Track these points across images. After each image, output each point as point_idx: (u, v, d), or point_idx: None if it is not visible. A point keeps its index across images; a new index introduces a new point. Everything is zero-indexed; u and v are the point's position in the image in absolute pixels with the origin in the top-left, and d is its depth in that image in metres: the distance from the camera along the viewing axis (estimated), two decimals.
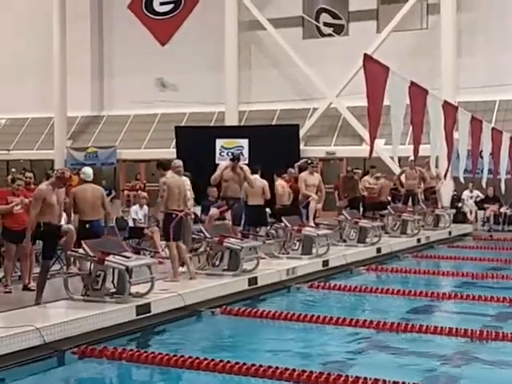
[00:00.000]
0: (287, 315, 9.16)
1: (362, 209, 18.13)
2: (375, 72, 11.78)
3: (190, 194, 12.07)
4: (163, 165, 11.01)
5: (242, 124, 25.82)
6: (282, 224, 13.10)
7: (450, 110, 16.48)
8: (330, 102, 24.77)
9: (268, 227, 14.14)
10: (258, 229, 13.70)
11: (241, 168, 12.16)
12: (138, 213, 13.95)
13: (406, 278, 12.93)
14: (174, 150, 24.04)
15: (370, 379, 6.39)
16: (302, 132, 24.32)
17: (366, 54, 11.84)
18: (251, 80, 26.25)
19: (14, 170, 24.04)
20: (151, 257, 10.75)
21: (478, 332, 8.30)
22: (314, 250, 12.74)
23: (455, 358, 7.65)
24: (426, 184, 19.05)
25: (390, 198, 19.31)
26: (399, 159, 18.40)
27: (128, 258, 8.65)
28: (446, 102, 16.38)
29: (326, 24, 25.96)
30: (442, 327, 8.46)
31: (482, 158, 19.52)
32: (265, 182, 13.50)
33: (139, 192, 17.87)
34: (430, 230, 18.46)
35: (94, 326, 7.73)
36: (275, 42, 25.39)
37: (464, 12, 23.50)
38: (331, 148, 24.74)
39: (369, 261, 14.07)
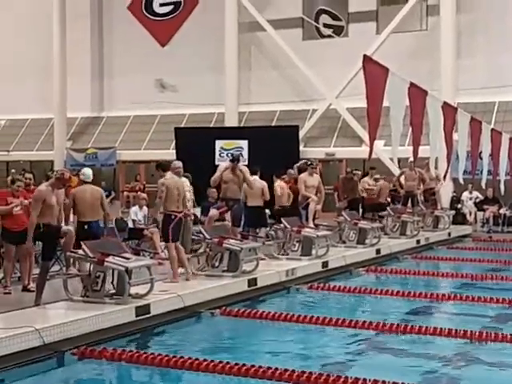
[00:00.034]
0: (287, 316, 9.16)
1: (361, 210, 18.15)
2: (375, 73, 11.78)
3: (189, 195, 12.09)
4: (162, 166, 11.00)
5: (241, 125, 25.84)
6: (282, 225, 13.11)
7: (449, 111, 16.48)
8: (330, 103, 24.79)
9: (267, 228, 14.14)
10: (257, 230, 13.71)
11: (240, 170, 12.17)
12: (137, 214, 13.94)
13: (405, 279, 12.93)
14: (174, 151, 24.08)
15: (370, 380, 6.39)
16: (301, 133, 24.33)
17: (365, 55, 11.84)
18: (251, 81, 26.27)
19: (13, 170, 24.07)
20: (151, 258, 10.75)
21: (477, 333, 8.30)
22: (313, 251, 12.74)
23: (455, 359, 7.65)
24: (426, 185, 19.06)
25: (389, 200, 19.33)
26: (399, 160, 18.42)
27: (127, 259, 8.65)
28: (445, 103, 16.38)
29: (325, 25, 25.98)
30: (441, 328, 8.47)
31: (481, 159, 19.53)
32: (264, 183, 13.50)
33: (139, 193, 17.86)
34: (429, 231, 18.46)
35: (93, 327, 7.72)
36: (275, 43, 25.41)
37: (463, 13, 23.52)
38: (331, 149, 24.76)
39: (368, 262, 14.07)
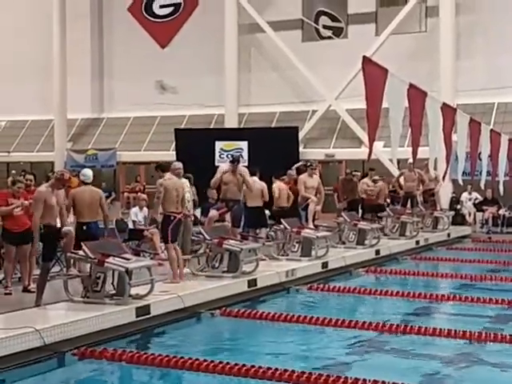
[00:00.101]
0: (287, 317, 9.17)
1: (361, 211, 18.17)
2: (374, 74, 11.80)
3: (189, 196, 12.11)
4: (162, 167, 11.03)
5: (241, 126, 25.84)
6: (282, 226, 13.12)
7: (448, 112, 16.49)
8: (329, 104, 24.80)
9: (267, 229, 14.16)
10: (257, 230, 13.73)
11: (240, 174, 12.18)
12: (137, 215, 13.95)
13: (404, 280, 12.94)
14: (174, 152, 24.10)
15: (370, 381, 6.41)
16: (301, 134, 24.34)
17: (365, 57, 11.85)
18: (251, 82, 26.29)
19: (14, 172, 24.09)
20: (151, 259, 10.77)
21: (476, 334, 8.32)
22: (313, 252, 12.75)
23: (454, 360, 7.65)
24: (425, 186, 19.08)
25: (388, 201, 19.34)
26: (398, 161, 18.37)
27: (128, 259, 8.67)
28: (444, 104, 16.39)
29: (325, 27, 25.99)
30: (440, 329, 8.48)
31: (480, 160, 19.53)
32: (264, 185, 13.52)
33: (139, 194, 17.86)
34: (428, 232, 18.48)
35: (93, 327, 7.74)
36: (275, 44, 25.43)
37: (463, 15, 23.53)
38: (330, 150, 24.77)
39: (368, 263, 14.09)
